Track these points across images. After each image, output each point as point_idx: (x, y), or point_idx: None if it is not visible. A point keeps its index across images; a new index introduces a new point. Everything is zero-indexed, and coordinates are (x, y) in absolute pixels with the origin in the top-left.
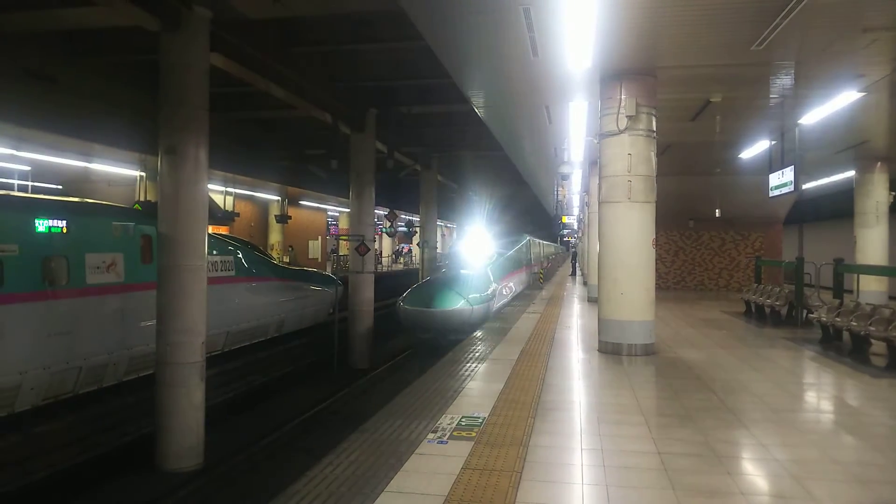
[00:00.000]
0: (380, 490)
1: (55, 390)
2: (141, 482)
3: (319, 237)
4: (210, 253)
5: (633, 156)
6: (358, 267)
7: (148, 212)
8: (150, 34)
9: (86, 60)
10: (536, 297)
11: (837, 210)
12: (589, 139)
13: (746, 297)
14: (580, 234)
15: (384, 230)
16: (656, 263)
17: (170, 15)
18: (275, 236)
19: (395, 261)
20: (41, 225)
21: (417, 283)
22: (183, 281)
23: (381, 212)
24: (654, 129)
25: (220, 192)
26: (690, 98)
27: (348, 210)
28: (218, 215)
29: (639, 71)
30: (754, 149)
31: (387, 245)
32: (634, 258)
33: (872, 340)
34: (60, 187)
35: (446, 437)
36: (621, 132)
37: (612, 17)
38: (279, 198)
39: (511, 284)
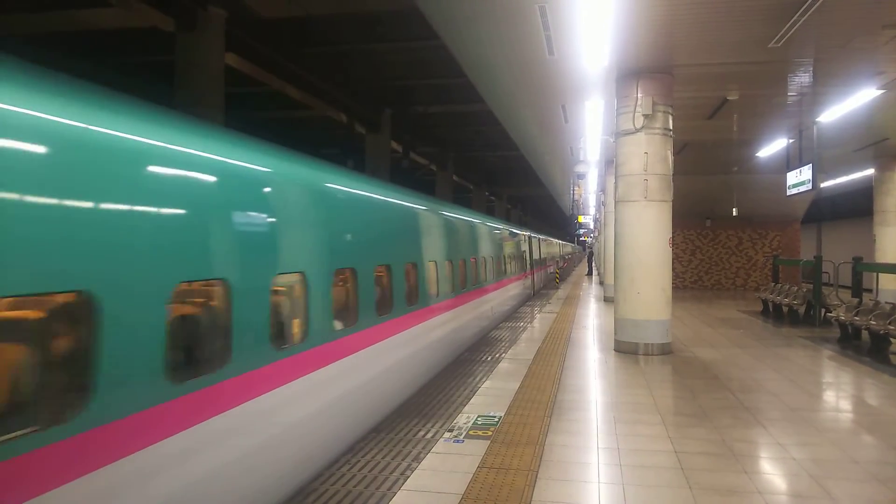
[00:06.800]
0: (396, 489)
1: None
2: None
3: None
4: None
5: (650, 154)
6: None
7: None
8: (166, 34)
9: (101, 61)
10: (553, 297)
11: (856, 208)
12: (605, 138)
13: (764, 296)
14: (596, 234)
15: None
16: (673, 263)
17: (185, 15)
18: None
19: None
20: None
21: None
22: None
23: None
24: (671, 127)
25: None
26: (707, 96)
27: None
28: None
29: (655, 69)
30: (772, 147)
31: None
32: (651, 257)
33: (892, 339)
34: None
35: (462, 436)
36: (637, 131)
37: (628, 15)
38: None
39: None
